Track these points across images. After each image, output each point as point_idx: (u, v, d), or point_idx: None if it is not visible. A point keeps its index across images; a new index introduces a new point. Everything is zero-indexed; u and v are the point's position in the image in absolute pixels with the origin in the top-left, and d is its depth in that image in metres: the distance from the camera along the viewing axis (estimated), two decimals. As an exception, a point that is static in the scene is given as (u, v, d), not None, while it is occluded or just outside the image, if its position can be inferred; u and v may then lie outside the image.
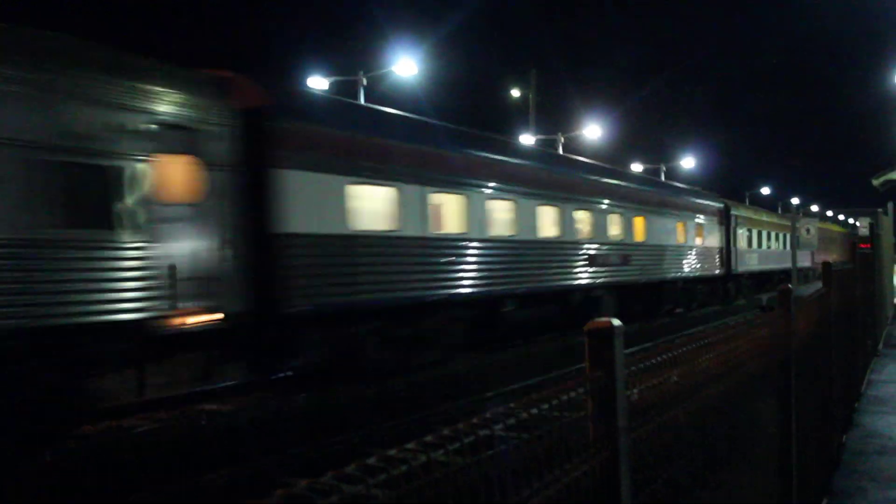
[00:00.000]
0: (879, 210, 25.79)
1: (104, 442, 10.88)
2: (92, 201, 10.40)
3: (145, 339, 10.86)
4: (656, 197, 28.92)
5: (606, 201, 23.88)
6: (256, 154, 12.60)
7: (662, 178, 61.64)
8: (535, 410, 1.84)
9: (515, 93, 47.52)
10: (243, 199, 12.40)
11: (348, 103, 18.65)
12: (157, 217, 11.11)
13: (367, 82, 30.60)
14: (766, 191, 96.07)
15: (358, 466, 1.43)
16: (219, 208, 12.05)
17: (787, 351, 5.32)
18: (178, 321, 11.21)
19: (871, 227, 18.84)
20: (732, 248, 37.03)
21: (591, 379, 2.19)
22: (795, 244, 32.62)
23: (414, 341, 15.90)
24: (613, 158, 72.27)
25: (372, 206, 14.82)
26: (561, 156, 28.73)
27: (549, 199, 20.17)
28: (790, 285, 5.52)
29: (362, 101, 30.12)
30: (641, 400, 2.62)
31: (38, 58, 10.00)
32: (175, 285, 11.17)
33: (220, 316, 11.74)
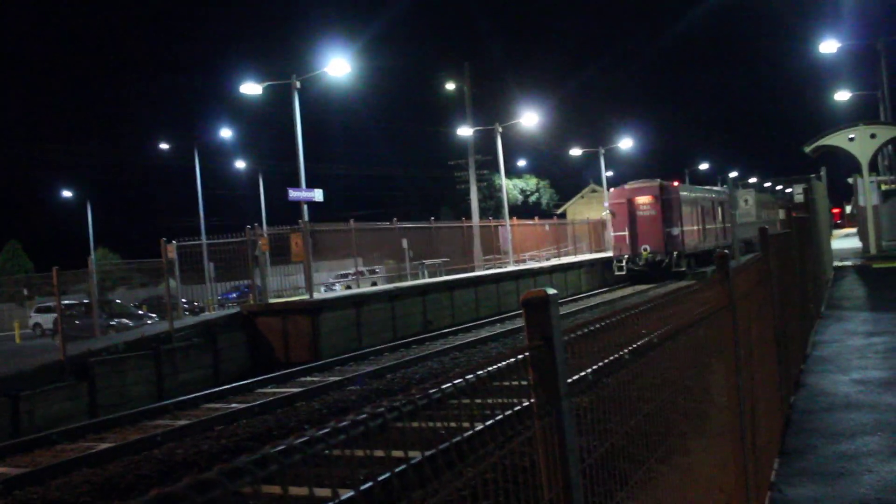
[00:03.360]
0: (812, 176, 26.38)
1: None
2: None
3: None
4: None
5: None
6: None
7: (602, 162, 62.32)
8: (471, 378, 1.86)
9: (451, 86, 47.64)
10: None
11: None
12: None
13: (301, 85, 30.45)
14: (704, 166, 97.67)
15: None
16: None
17: (729, 316, 5.42)
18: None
19: (806, 192, 19.24)
20: None
21: (530, 348, 2.22)
22: (735, 216, 33.29)
23: None
24: (551, 144, 72.63)
25: None
26: None
27: None
28: (727, 251, 5.62)
29: (296, 104, 29.96)
30: (582, 367, 2.66)
31: None
32: None
33: None
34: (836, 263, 30.36)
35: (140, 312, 34.73)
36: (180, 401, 17.29)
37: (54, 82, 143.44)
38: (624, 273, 42.42)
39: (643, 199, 42.07)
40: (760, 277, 7.36)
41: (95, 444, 13.71)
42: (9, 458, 13.32)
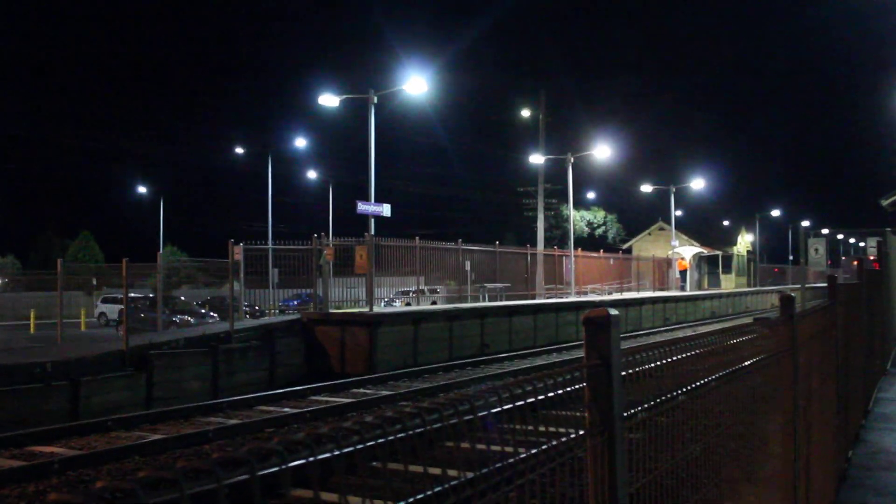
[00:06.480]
0: (888, 229, 25.76)
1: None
2: None
3: None
4: None
5: None
6: None
7: (672, 200, 61.71)
8: (528, 389, 1.89)
9: (525, 113, 47.73)
10: None
11: None
12: None
13: (378, 100, 30.78)
14: (776, 213, 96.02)
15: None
16: None
17: (790, 361, 5.33)
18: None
19: (879, 245, 18.84)
20: None
21: (588, 366, 2.24)
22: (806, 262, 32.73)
23: None
24: (622, 178, 72.31)
25: None
26: None
27: None
28: (793, 295, 5.54)
29: (371, 118, 30.26)
30: (637, 399, 2.66)
31: None
32: None
33: None
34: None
35: (202, 311, 35.27)
36: (234, 400, 17.52)
37: (141, 83, 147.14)
38: None
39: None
40: (826, 325, 7.23)
41: (148, 435, 13.97)
42: (65, 440, 13.65)
